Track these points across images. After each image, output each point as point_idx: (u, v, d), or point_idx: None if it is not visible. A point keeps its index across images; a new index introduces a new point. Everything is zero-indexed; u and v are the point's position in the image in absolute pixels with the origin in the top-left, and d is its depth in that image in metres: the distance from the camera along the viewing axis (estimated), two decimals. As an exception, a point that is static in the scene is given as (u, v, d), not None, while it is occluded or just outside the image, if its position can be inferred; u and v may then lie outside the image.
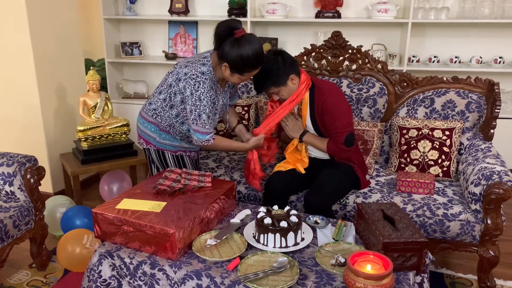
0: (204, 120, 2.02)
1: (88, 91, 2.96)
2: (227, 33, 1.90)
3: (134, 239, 1.67)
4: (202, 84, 1.97)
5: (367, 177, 2.45)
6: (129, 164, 3.03)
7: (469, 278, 2.28)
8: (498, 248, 2.03)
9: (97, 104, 2.93)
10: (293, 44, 3.81)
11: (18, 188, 2.19)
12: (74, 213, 2.51)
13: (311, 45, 2.76)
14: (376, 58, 2.70)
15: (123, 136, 3.00)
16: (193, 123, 2.03)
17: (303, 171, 2.24)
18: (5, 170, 2.19)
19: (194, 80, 1.97)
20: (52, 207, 2.63)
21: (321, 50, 2.74)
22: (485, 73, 3.44)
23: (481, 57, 3.50)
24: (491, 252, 2.03)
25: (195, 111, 2.00)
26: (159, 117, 2.15)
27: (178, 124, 2.14)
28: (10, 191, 2.20)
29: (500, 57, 3.47)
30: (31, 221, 2.21)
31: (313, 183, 2.17)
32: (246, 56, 1.89)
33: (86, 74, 2.99)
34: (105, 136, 2.94)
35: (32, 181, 2.18)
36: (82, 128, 2.87)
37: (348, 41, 2.68)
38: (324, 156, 2.30)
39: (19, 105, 3.01)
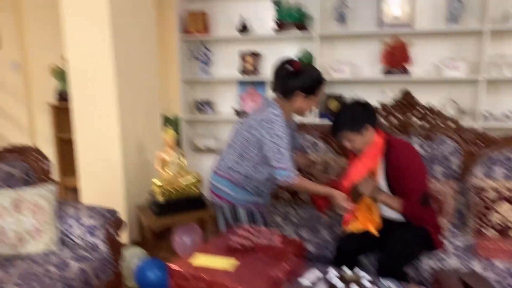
0: (286, 156, 2.10)
1: (164, 147, 3.16)
2: (286, 71, 2.14)
3: (207, 296, 1.71)
4: (277, 122, 2.11)
5: (441, 238, 2.35)
6: (199, 217, 3.13)
7: None
8: None
9: (172, 159, 3.11)
10: (361, 101, 3.83)
11: (101, 240, 2.35)
12: (148, 266, 2.61)
13: (380, 103, 2.78)
14: (448, 115, 2.66)
15: (196, 189, 3.14)
16: (276, 160, 2.10)
17: (376, 234, 2.19)
18: (90, 222, 2.37)
19: (269, 123, 2.11)
20: (128, 258, 2.76)
21: (391, 109, 2.75)
22: None
23: None
24: None
25: (276, 149, 2.09)
26: (233, 171, 2.24)
27: (254, 173, 2.21)
28: (93, 242, 2.37)
29: None
30: (110, 272, 2.34)
31: (385, 245, 2.12)
32: (314, 75, 2.17)
33: (163, 130, 3.21)
34: (179, 189, 3.08)
35: (113, 233, 2.33)
36: (159, 182, 3.04)
37: (417, 100, 2.68)
38: (396, 215, 2.25)
39: (103, 161, 3.27)
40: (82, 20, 3.10)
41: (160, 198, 3.02)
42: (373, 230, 2.20)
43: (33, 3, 4.92)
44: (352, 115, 2.16)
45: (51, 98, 4.73)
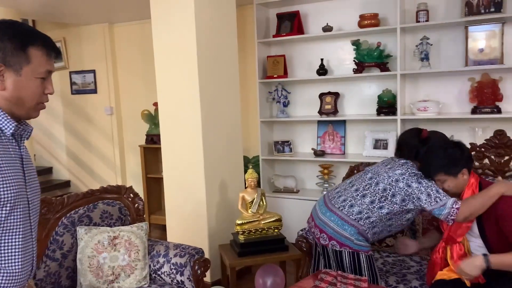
0: (437, 191, 2.08)
1: (246, 187, 3.24)
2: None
3: None
4: (418, 175, 2.15)
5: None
6: (280, 259, 3.12)
7: None
8: None
9: (254, 199, 3.17)
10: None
11: (187, 278, 2.42)
12: (231, 306, 2.64)
13: (471, 143, 2.65)
14: (550, 157, 2.45)
15: (276, 230, 3.15)
16: (435, 202, 2.07)
17: (468, 284, 2.04)
18: (178, 260, 2.46)
19: (413, 176, 2.14)
20: (211, 297, 2.81)
21: (483, 149, 2.60)
22: None
23: None
24: None
25: (426, 194, 2.08)
26: (362, 219, 2.19)
27: (385, 220, 2.19)
28: (181, 280, 2.45)
29: None
30: (195, 310, 2.39)
31: None
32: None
33: (244, 171, 3.30)
34: (259, 230, 3.11)
35: (199, 272, 2.40)
36: (240, 222, 3.10)
37: (513, 139, 2.51)
38: None
39: (189, 198, 3.42)
40: (172, 69, 3.35)
41: (241, 238, 3.07)
42: (466, 282, 2.04)
43: (127, 53, 5.42)
44: (449, 158, 2.08)
45: (142, 140, 5.08)
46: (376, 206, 2.17)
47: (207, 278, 3.35)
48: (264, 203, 3.21)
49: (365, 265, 2.21)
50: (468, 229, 2.08)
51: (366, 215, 2.18)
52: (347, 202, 2.23)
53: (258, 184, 4.29)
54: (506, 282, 1.98)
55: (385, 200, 2.17)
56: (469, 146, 2.64)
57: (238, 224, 3.11)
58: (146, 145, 4.94)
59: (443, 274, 2.14)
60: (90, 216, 2.56)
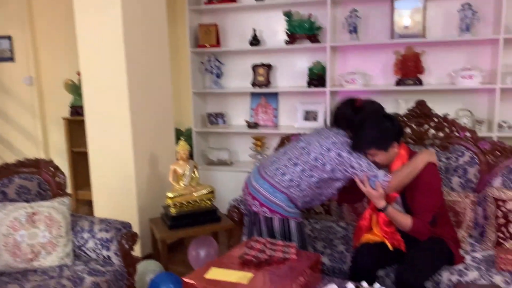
0: (368, 163, 2.11)
1: (177, 159, 3.16)
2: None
3: (222, 310, 1.69)
4: (350, 144, 2.15)
5: (461, 252, 2.29)
6: (212, 230, 3.11)
7: None
8: None
9: (186, 172, 3.11)
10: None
11: (114, 253, 2.34)
12: (161, 280, 2.59)
13: (395, 113, 2.75)
14: (463, 125, 2.62)
15: (208, 202, 3.12)
16: (369, 170, 2.10)
17: (391, 248, 2.15)
18: (104, 235, 2.36)
19: (345, 145, 2.15)
20: (141, 271, 2.75)
21: (405, 119, 2.72)
22: None
23: None
24: None
25: (357, 164, 2.11)
26: (293, 187, 2.19)
27: (315, 187, 2.20)
28: (107, 255, 2.36)
29: None
30: (124, 286, 2.32)
31: (405, 258, 2.07)
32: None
33: (176, 143, 3.21)
34: (191, 202, 3.07)
35: (126, 246, 2.32)
36: (171, 195, 3.03)
37: (432, 110, 2.64)
38: None
39: (116, 172, 3.28)
40: (95, 35, 3.14)
41: (173, 211, 3.01)
42: (389, 245, 2.16)
43: (46, 18, 5.01)
44: (381, 133, 2.11)
45: (65, 112, 4.78)
46: (307, 175, 2.19)
47: (138, 253, 3.27)
48: (197, 176, 3.16)
49: (294, 231, 2.25)
50: (395, 199, 2.18)
51: (296, 183, 2.20)
52: (279, 170, 2.24)
53: (191, 157, 4.22)
54: (422, 247, 2.11)
55: (315, 168, 2.19)
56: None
57: (170, 197, 3.04)
58: (71, 118, 4.65)
59: (368, 238, 2.24)
60: (5, 191, 2.38)
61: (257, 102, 4.24)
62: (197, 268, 2.59)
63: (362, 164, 2.12)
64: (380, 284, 2.17)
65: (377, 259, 2.15)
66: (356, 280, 2.09)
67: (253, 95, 4.25)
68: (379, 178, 2.09)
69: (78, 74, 4.30)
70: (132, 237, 2.36)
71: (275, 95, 4.17)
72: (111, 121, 3.23)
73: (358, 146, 2.14)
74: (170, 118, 3.60)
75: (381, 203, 2.10)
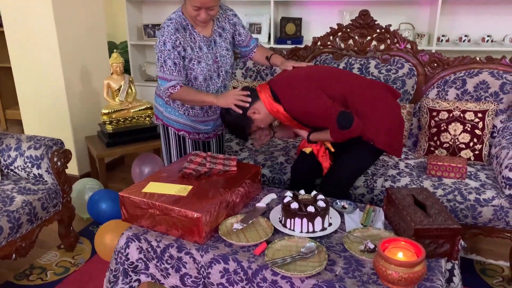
0: (170, 66, 1.95)
1: (112, 74, 2.96)
2: None
3: (161, 222, 1.67)
4: (166, 27, 1.94)
5: (395, 159, 2.39)
6: (153, 147, 3.03)
7: (500, 264, 2.22)
8: (533, 234, 1.96)
9: (121, 87, 2.93)
10: (318, 24, 3.72)
11: (46, 171, 2.22)
12: (100, 197, 2.53)
13: (338, 24, 2.68)
14: (405, 37, 2.61)
15: (147, 119, 3.01)
16: (159, 70, 1.98)
17: (332, 149, 2.13)
18: (33, 153, 2.22)
19: (161, 27, 1.96)
20: (79, 189, 2.66)
21: (348, 30, 2.66)
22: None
23: (515, 36, 3.35)
24: (525, 238, 1.96)
25: (161, 58, 1.95)
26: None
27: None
28: (38, 174, 2.23)
29: (535, 36, 3.31)
30: (59, 204, 2.24)
31: (328, 172, 2.12)
32: None
33: (110, 57, 2.99)
34: (129, 119, 2.94)
35: (59, 164, 2.20)
36: (106, 111, 2.88)
37: (376, 20, 2.59)
38: None
39: (45, 88, 3.04)
40: None
41: (109, 128, 2.88)
42: (330, 147, 2.13)
43: None
44: (237, 127, 2.05)
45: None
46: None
47: (75, 171, 3.16)
48: (133, 91, 3.00)
49: (173, 142, 2.21)
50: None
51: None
52: None
53: (128, 72, 3.99)
54: (345, 157, 2.11)
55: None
56: (336, 28, 2.69)
57: (105, 114, 2.89)
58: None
59: (305, 147, 2.24)
60: None
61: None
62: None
63: (166, 56, 1.96)
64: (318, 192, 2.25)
65: (315, 167, 2.19)
66: (295, 189, 2.14)
67: (193, 5, 3.97)
68: (168, 83, 1.98)
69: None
70: (64, 154, 2.23)
71: (216, 5, 3.92)
72: (34, 31, 2.91)
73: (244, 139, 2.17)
74: (102, 28, 3.30)
75: (305, 134, 2.10)
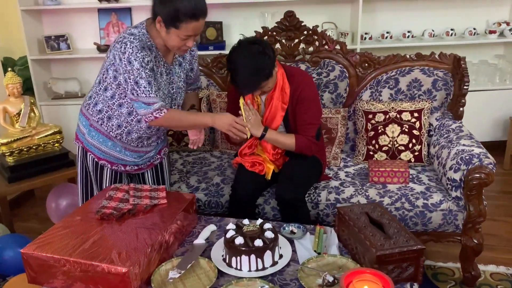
0: (144, 87, 1.60)
1: (8, 96, 2.53)
2: None
3: (78, 280, 1.36)
4: (129, 44, 1.58)
5: (335, 168, 2.27)
6: (67, 176, 2.63)
7: (450, 267, 2.17)
8: (482, 235, 1.91)
9: (21, 111, 2.51)
10: (240, 27, 3.52)
11: None
12: (4, 244, 2.12)
13: (263, 27, 2.50)
14: (333, 38, 2.50)
15: (56, 145, 2.61)
16: (132, 94, 1.62)
17: (268, 177, 2.02)
18: None
19: (120, 43, 1.59)
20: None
21: (274, 33, 2.49)
22: (440, 46, 3.33)
23: (433, 30, 3.40)
24: (474, 240, 1.91)
25: (129, 79, 1.60)
26: (90, 107, 1.77)
27: (115, 107, 1.73)
28: None
29: (451, 29, 3.39)
30: None
31: (281, 176, 1.97)
32: (179, 2, 1.54)
33: (4, 76, 2.55)
34: (34, 147, 2.53)
35: None
36: (5, 140, 2.44)
37: (302, 22, 2.45)
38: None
39: None
40: None
41: (10, 160, 2.45)
42: (269, 171, 2.01)
43: None
44: (263, 63, 1.82)
45: None
46: (102, 87, 1.73)
47: (-28, 215, 2.66)
48: (36, 114, 2.59)
49: (91, 169, 1.86)
50: (277, 127, 2.00)
51: (94, 100, 1.77)
52: (89, 93, 1.82)
53: (32, 91, 3.51)
54: (297, 164, 2.02)
55: (105, 77, 1.71)
56: (261, 31, 2.50)
57: (3, 144, 2.46)
58: None
59: (244, 161, 2.05)
60: None
61: (107, 21, 3.61)
62: (57, 220, 2.18)
63: (141, 83, 1.62)
64: (260, 211, 2.05)
65: (256, 186, 2.00)
66: (235, 212, 1.94)
67: (101, 11, 3.59)
68: (151, 107, 1.64)
69: None
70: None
71: (127, 10, 3.58)
72: None
73: (251, 88, 1.88)
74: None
75: (259, 132, 1.92)
